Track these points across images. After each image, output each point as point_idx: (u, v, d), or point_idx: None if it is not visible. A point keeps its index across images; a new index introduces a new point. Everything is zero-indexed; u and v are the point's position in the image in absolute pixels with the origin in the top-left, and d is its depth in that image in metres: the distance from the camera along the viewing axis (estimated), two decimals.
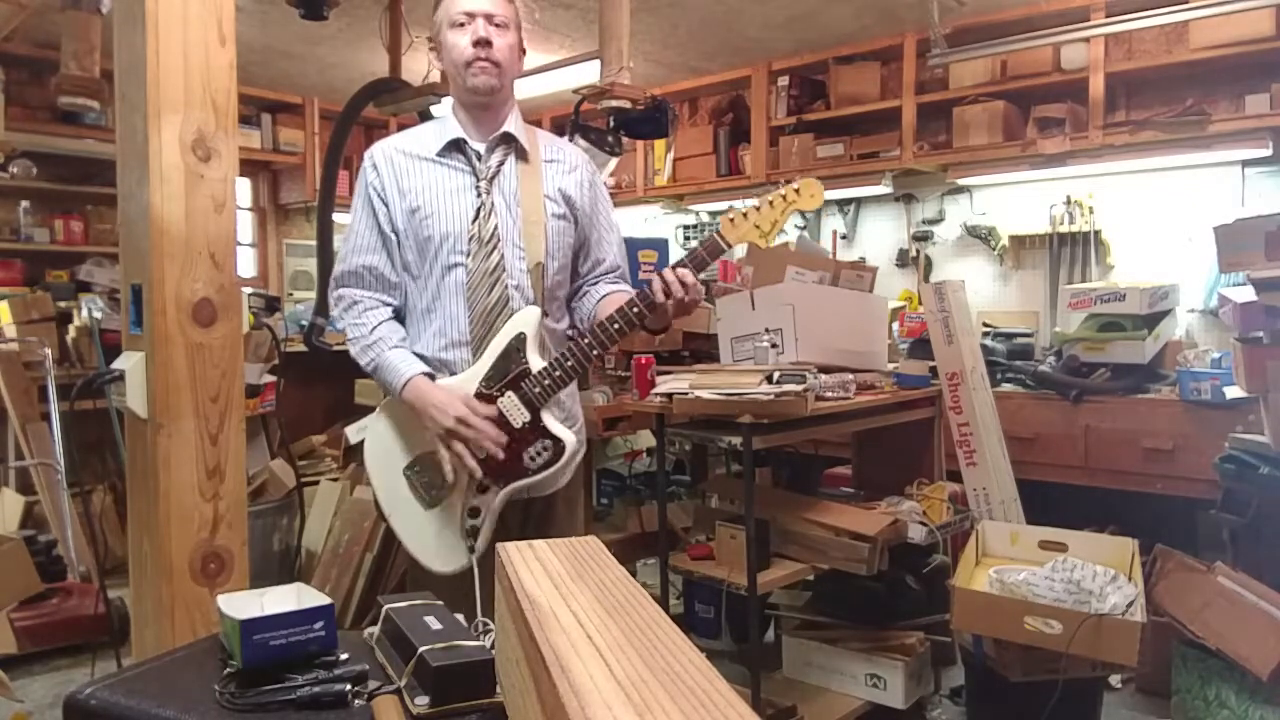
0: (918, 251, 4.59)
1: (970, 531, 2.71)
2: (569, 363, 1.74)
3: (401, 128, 2.02)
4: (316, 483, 3.80)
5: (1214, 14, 3.24)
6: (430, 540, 1.78)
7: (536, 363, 1.75)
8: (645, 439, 3.53)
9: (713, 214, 5.42)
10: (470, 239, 1.79)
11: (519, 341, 1.75)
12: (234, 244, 1.91)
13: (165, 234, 1.79)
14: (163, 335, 1.80)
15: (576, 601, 0.91)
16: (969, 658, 2.56)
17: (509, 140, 1.86)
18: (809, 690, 2.65)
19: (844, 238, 4.89)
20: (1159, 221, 3.90)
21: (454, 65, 1.81)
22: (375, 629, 1.28)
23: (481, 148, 1.85)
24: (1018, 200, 4.26)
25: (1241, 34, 3.41)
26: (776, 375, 2.29)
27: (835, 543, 2.44)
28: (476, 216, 1.80)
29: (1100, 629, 2.10)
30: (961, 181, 4.27)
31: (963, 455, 2.95)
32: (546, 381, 1.74)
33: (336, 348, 4.38)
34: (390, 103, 3.38)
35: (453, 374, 1.81)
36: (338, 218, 3.76)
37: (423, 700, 1.08)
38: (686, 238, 5.47)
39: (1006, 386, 3.53)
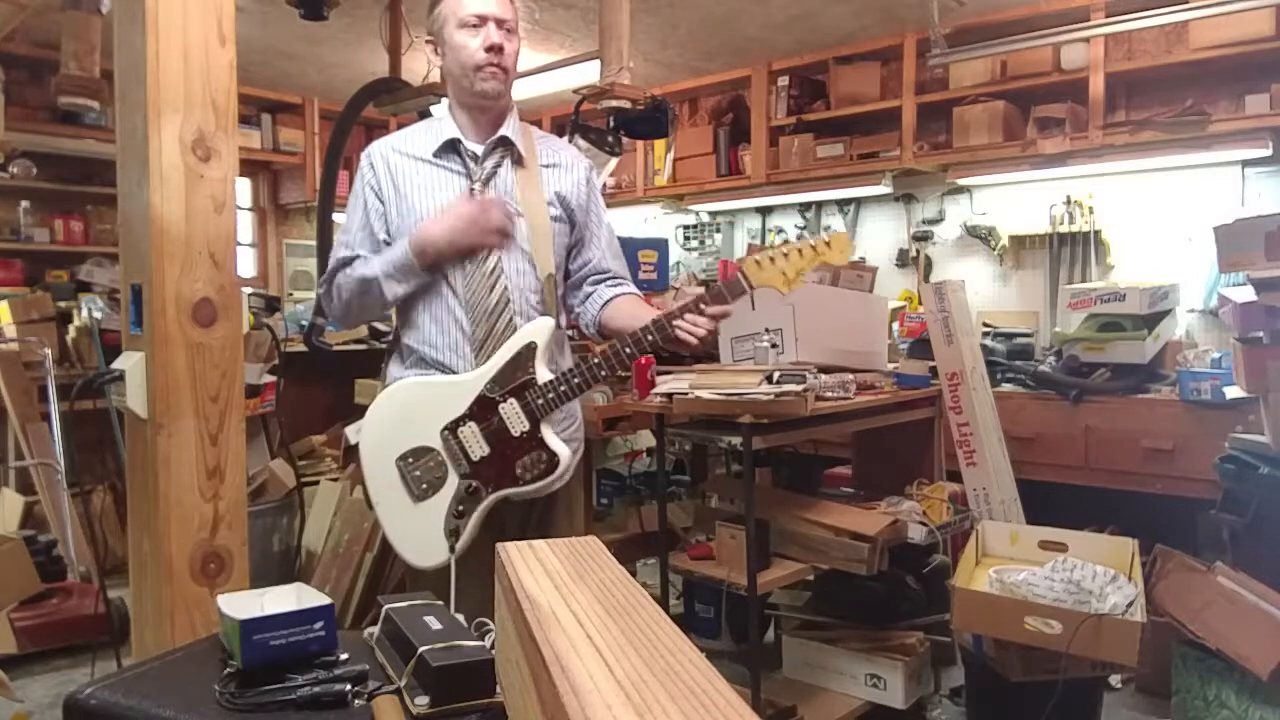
0: (918, 251, 4.59)
1: (970, 531, 2.71)
2: (575, 380, 1.74)
3: (400, 127, 2.02)
4: (316, 483, 3.80)
5: (1214, 14, 3.24)
6: (412, 533, 1.78)
7: (543, 374, 1.75)
8: (645, 439, 3.52)
9: (713, 214, 5.42)
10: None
11: (529, 350, 1.75)
12: (234, 244, 1.91)
13: (165, 234, 1.79)
14: (163, 335, 1.80)
15: (576, 601, 0.91)
16: (969, 658, 2.56)
17: (506, 144, 1.86)
18: (809, 690, 2.65)
19: None
20: (1159, 221, 3.90)
21: (461, 66, 1.80)
22: (375, 629, 1.28)
23: (478, 149, 1.85)
24: (1018, 200, 4.26)
25: (1241, 34, 3.41)
26: (776, 375, 2.29)
27: (835, 543, 2.44)
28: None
29: (1100, 629, 2.10)
30: (961, 181, 4.27)
31: (963, 455, 2.95)
32: (551, 395, 1.74)
33: (337, 348, 4.39)
34: (390, 103, 3.39)
35: (453, 374, 1.81)
36: (338, 218, 3.76)
37: (423, 700, 1.08)
38: (686, 238, 5.47)
39: (1006, 386, 3.53)
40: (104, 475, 4.20)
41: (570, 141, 2.88)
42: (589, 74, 3.50)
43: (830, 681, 2.65)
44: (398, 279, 1.80)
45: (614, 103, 2.95)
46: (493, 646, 1.15)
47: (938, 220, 4.55)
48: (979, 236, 4.37)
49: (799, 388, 2.23)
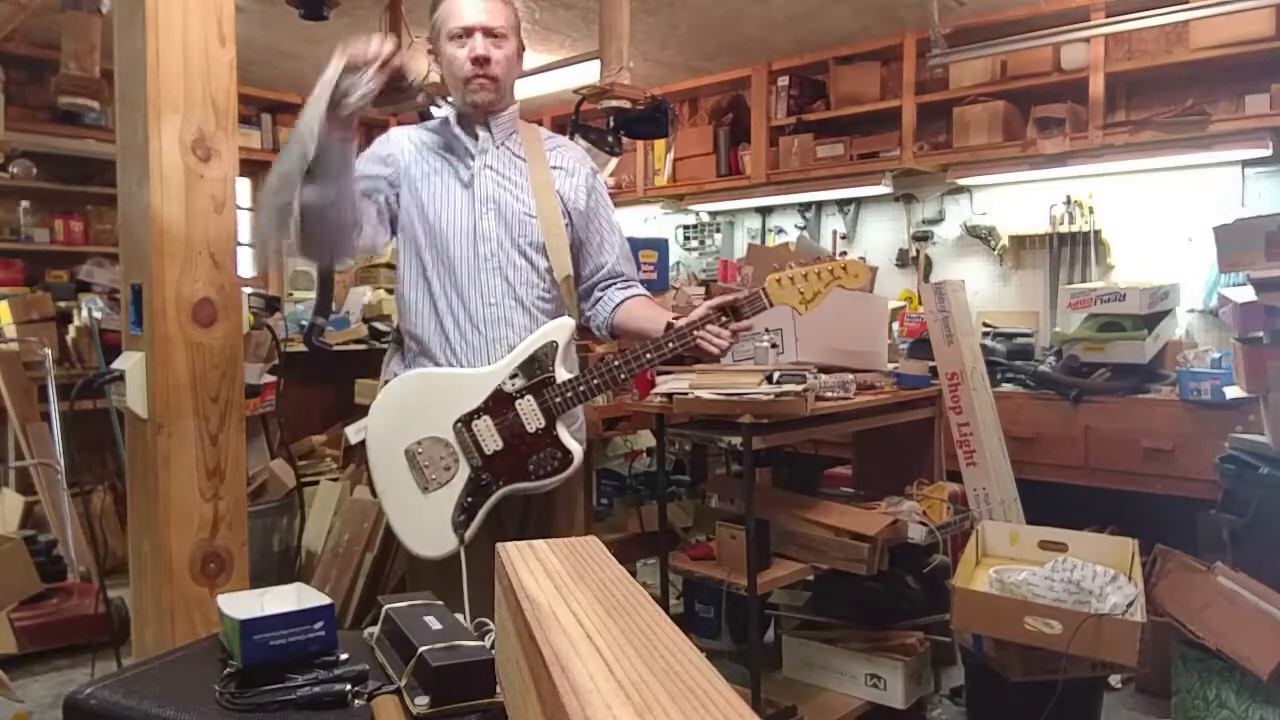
0: (918, 251, 4.59)
1: (970, 531, 2.71)
2: (594, 380, 1.76)
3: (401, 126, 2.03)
4: (316, 483, 3.80)
5: (1214, 14, 3.24)
6: (419, 524, 1.78)
7: (562, 374, 1.76)
8: (645, 439, 3.52)
9: (713, 214, 5.42)
10: (475, 236, 1.82)
11: (549, 349, 1.76)
12: (234, 244, 1.91)
13: (165, 234, 1.79)
14: (163, 335, 1.80)
15: (576, 601, 0.91)
16: (969, 658, 2.56)
17: (508, 142, 1.88)
18: (809, 690, 2.65)
19: (844, 238, 4.89)
20: (1159, 221, 3.90)
21: (452, 78, 1.83)
22: (375, 629, 1.28)
23: (481, 146, 1.86)
24: (1018, 200, 4.26)
25: (1241, 34, 3.41)
26: (776, 375, 2.29)
27: (835, 543, 2.44)
28: (474, 214, 1.82)
29: (1100, 629, 2.10)
30: (961, 181, 4.27)
31: (963, 455, 2.95)
32: (569, 394, 1.75)
33: (337, 348, 4.38)
34: (390, 103, 3.38)
35: (460, 365, 1.81)
36: None
37: (423, 700, 1.08)
38: (686, 238, 5.47)
39: (1006, 386, 3.53)
40: (104, 475, 4.20)
41: (571, 141, 2.88)
42: (589, 74, 3.50)
43: (830, 681, 2.65)
44: (287, 167, 1.59)
45: (614, 103, 2.95)
46: (493, 646, 1.15)
47: (938, 220, 4.55)
48: (979, 236, 4.37)
49: (799, 388, 2.23)
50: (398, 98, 2.00)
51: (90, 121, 4.32)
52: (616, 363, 1.77)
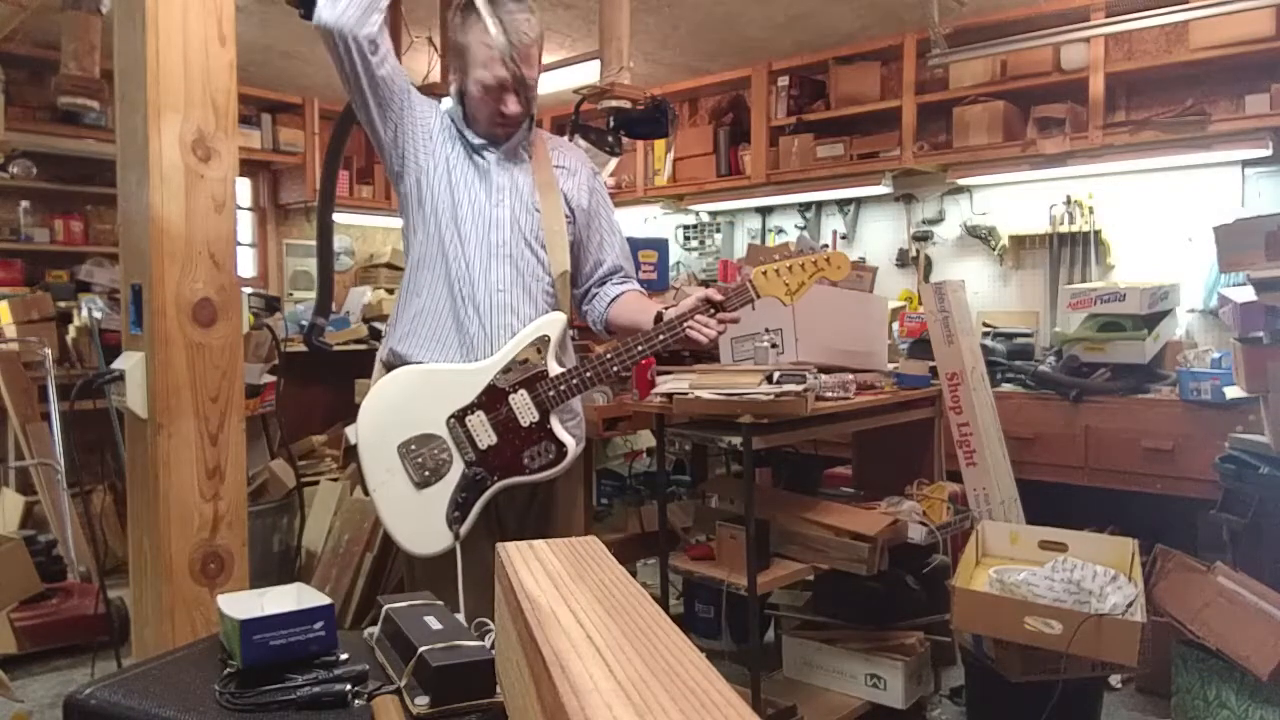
0: (918, 251, 4.59)
1: (970, 531, 2.71)
2: (587, 373, 1.78)
3: None
4: (316, 483, 3.80)
5: (1214, 14, 3.24)
6: (412, 520, 1.77)
7: (555, 368, 1.78)
8: (645, 439, 3.53)
9: (713, 214, 5.42)
10: (489, 223, 1.83)
11: (542, 343, 1.78)
12: (234, 244, 1.91)
13: (165, 234, 1.79)
14: (163, 335, 1.80)
15: (576, 601, 0.91)
16: (969, 658, 2.56)
17: (519, 140, 1.89)
18: (809, 690, 2.65)
19: (844, 238, 4.89)
20: (1159, 221, 3.90)
21: (473, 104, 1.83)
22: (375, 629, 1.28)
23: (491, 144, 1.87)
24: (1018, 200, 4.26)
25: (1241, 34, 3.41)
26: (776, 375, 2.29)
27: (835, 543, 2.44)
28: (490, 202, 1.84)
29: (1100, 629, 2.10)
30: (961, 181, 4.27)
31: (963, 455, 2.95)
32: (562, 387, 1.77)
33: (337, 348, 4.39)
34: None
35: (467, 350, 1.81)
36: (338, 218, 3.77)
37: (423, 700, 1.08)
38: (686, 238, 5.47)
39: (1006, 386, 3.53)
40: (104, 475, 4.20)
41: (570, 141, 2.89)
42: (589, 74, 3.50)
43: (830, 681, 2.65)
44: None
45: (614, 103, 2.95)
46: (493, 646, 1.15)
47: (938, 220, 4.55)
48: (979, 236, 4.37)
49: (799, 388, 2.23)
50: None
51: (90, 121, 4.32)
52: (609, 355, 1.78)
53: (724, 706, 0.68)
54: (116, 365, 1.88)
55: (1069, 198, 4.08)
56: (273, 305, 4.61)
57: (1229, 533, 2.63)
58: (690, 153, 5.13)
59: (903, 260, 4.66)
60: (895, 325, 4.05)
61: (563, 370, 1.78)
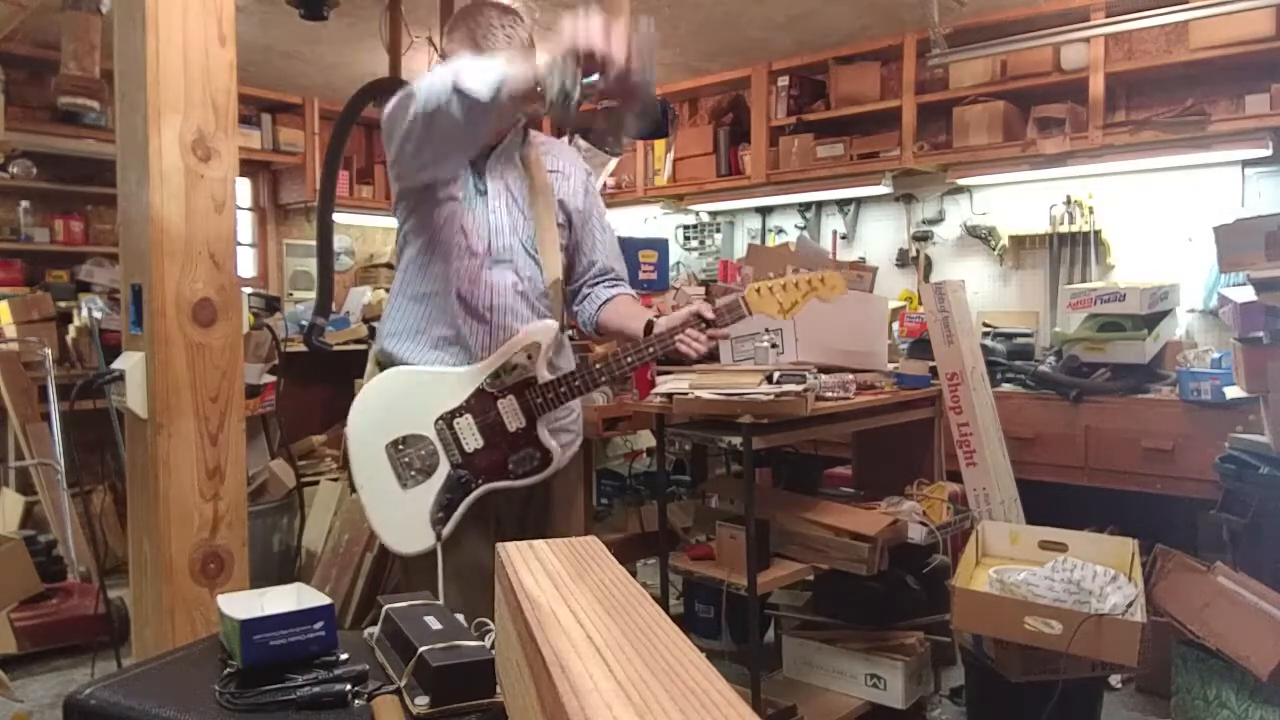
0: (918, 251, 4.59)
1: (970, 531, 2.71)
2: (576, 383, 1.79)
3: None
4: (316, 483, 3.80)
5: (1214, 14, 3.24)
6: (396, 519, 1.78)
7: (544, 375, 1.79)
8: (645, 439, 3.53)
9: (713, 214, 5.42)
10: (489, 230, 1.82)
11: (533, 350, 1.79)
12: (234, 244, 1.91)
13: (165, 234, 1.79)
14: (163, 335, 1.80)
15: (576, 601, 0.91)
16: (969, 658, 2.56)
17: (513, 145, 1.88)
18: (809, 690, 2.65)
19: (844, 238, 4.89)
20: (1159, 221, 3.90)
21: None
22: (375, 629, 1.28)
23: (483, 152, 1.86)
24: (1018, 200, 4.26)
25: (1241, 34, 3.41)
26: (776, 375, 2.29)
27: (835, 543, 2.44)
28: (488, 209, 1.83)
29: (1100, 629, 2.10)
30: (961, 181, 4.27)
31: (963, 455, 2.94)
32: (550, 395, 1.78)
33: (337, 348, 4.39)
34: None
35: (463, 349, 1.81)
36: (338, 218, 3.77)
37: (423, 700, 1.08)
38: (686, 238, 5.47)
39: (1006, 386, 3.53)
40: (104, 475, 4.20)
41: (570, 142, 2.89)
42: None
43: (830, 681, 2.65)
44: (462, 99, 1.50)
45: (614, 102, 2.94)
46: (493, 646, 1.15)
47: (938, 220, 4.55)
48: (979, 236, 4.37)
49: (799, 388, 2.23)
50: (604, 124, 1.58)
51: (90, 121, 4.32)
52: (599, 366, 1.81)
53: (724, 706, 0.68)
54: (116, 365, 1.88)
55: (1069, 198, 4.08)
56: (273, 305, 4.61)
57: (1229, 533, 2.63)
58: (690, 153, 5.13)
59: (903, 260, 4.66)
60: (895, 325, 4.05)
61: (551, 378, 1.79)
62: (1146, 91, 3.87)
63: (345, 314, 5.13)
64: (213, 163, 1.85)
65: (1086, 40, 3.72)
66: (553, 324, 1.83)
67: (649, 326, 1.83)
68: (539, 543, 1.11)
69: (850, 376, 2.60)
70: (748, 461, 2.31)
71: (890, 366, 3.03)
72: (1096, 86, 3.75)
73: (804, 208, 5.01)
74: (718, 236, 5.35)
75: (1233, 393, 2.92)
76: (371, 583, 3.22)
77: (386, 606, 1.27)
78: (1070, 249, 4.11)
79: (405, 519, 1.77)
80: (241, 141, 2.98)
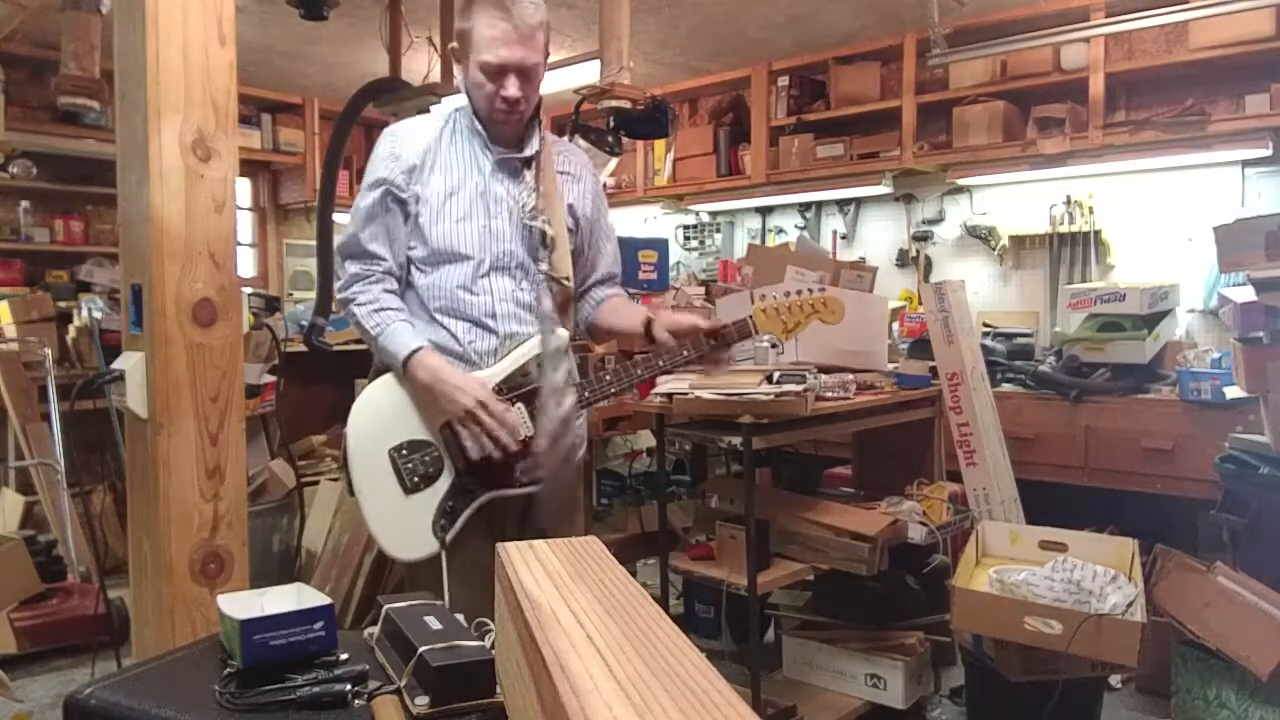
0: (918, 251, 4.59)
1: (970, 531, 2.71)
2: (586, 393, 1.79)
3: None
4: (316, 483, 3.80)
5: (1214, 14, 3.24)
6: (398, 526, 1.76)
7: (553, 384, 1.77)
8: (645, 439, 3.53)
9: (713, 214, 5.42)
10: (489, 235, 1.80)
11: (540, 359, 1.78)
12: (234, 244, 1.91)
13: (165, 234, 1.79)
14: (163, 335, 1.80)
15: (576, 601, 0.91)
16: (969, 658, 2.56)
17: (529, 151, 1.86)
18: (809, 690, 2.65)
19: (844, 238, 4.89)
20: (1159, 221, 3.90)
21: (476, 100, 1.80)
22: (375, 629, 1.28)
23: (494, 139, 1.84)
24: (1018, 200, 4.26)
25: (1241, 34, 3.41)
26: (776, 375, 2.30)
27: (835, 543, 2.44)
28: (489, 214, 1.81)
29: (1100, 629, 2.10)
30: (961, 181, 4.27)
31: (963, 455, 2.94)
32: None
33: (337, 348, 4.39)
34: (390, 103, 3.38)
35: (465, 356, 1.80)
36: (337, 218, 3.77)
37: (423, 700, 1.08)
38: (686, 238, 5.47)
39: (1006, 386, 3.53)
40: (104, 475, 4.20)
41: (570, 141, 2.88)
42: (589, 74, 3.50)
43: (830, 681, 2.65)
44: (379, 348, 1.79)
45: (614, 103, 2.95)
46: (493, 646, 1.15)
47: (938, 220, 4.55)
48: (979, 236, 4.37)
49: (799, 388, 2.23)
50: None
51: (90, 121, 4.32)
52: (608, 378, 1.81)
53: (724, 706, 0.68)
54: (116, 365, 1.88)
55: (1069, 198, 4.08)
56: (273, 305, 4.61)
57: (1229, 533, 2.63)
58: (690, 153, 5.13)
59: (903, 260, 4.66)
60: (895, 325, 4.05)
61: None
62: (1146, 91, 3.87)
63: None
64: (213, 163, 1.85)
65: (1086, 40, 3.72)
66: (563, 334, 1.81)
67: (647, 325, 1.82)
68: (539, 543, 1.11)
69: (850, 376, 2.60)
70: (748, 461, 2.31)
71: (890, 366, 3.03)
72: (1096, 86, 3.75)
73: (804, 208, 5.01)
74: (718, 236, 5.35)
75: (1233, 393, 2.92)
76: (371, 583, 3.22)
77: (386, 606, 1.27)
78: (1070, 249, 4.11)
79: (408, 525, 1.75)
80: (241, 141, 2.98)
